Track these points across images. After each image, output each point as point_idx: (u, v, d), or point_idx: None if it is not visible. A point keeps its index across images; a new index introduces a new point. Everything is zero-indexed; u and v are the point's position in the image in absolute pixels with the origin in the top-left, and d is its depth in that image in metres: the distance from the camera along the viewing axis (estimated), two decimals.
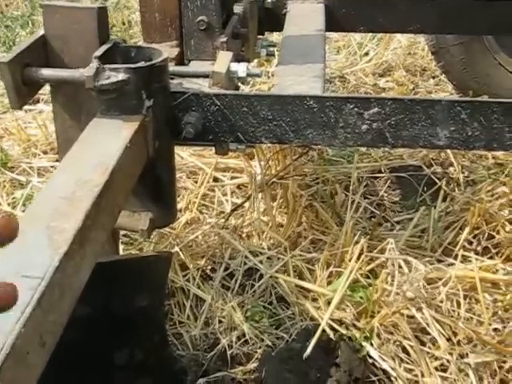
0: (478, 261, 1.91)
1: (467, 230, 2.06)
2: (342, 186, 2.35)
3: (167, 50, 1.55)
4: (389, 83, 3.46)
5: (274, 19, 2.22)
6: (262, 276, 1.86)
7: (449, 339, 1.64)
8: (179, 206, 2.10)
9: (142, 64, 1.29)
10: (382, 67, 3.61)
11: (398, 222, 2.25)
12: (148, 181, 1.38)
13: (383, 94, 3.23)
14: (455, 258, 1.97)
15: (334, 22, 2.24)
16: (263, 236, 2.04)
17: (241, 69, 1.48)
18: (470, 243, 2.07)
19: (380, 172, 2.55)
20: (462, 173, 2.50)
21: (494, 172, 2.50)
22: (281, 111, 1.41)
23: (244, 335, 1.70)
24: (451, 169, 2.56)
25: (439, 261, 1.99)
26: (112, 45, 1.37)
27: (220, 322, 1.74)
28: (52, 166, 2.60)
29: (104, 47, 1.34)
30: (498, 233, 2.09)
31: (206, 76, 1.48)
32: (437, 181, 2.44)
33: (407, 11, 2.36)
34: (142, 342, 1.48)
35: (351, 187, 2.28)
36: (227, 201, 2.30)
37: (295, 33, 1.93)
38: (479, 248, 2.06)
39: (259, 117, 1.41)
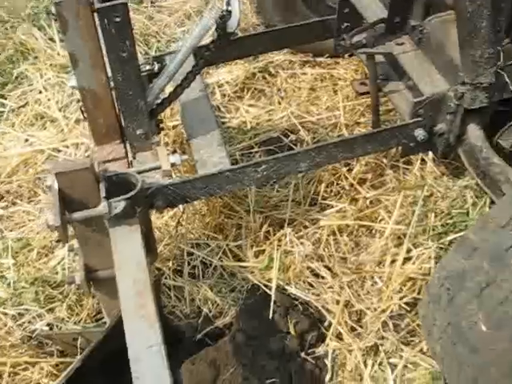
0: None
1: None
2: None
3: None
4: None
5: None
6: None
7: None
8: None
9: None
10: None
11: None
12: None
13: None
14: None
15: None
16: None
17: (177, 159, 2.40)
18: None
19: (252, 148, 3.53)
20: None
21: None
22: (208, 182, 2.39)
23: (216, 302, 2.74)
24: (301, 133, 3.57)
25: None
26: None
27: (195, 299, 2.76)
28: None
29: None
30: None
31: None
32: (294, 147, 3.45)
33: None
34: None
35: None
36: None
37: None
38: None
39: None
